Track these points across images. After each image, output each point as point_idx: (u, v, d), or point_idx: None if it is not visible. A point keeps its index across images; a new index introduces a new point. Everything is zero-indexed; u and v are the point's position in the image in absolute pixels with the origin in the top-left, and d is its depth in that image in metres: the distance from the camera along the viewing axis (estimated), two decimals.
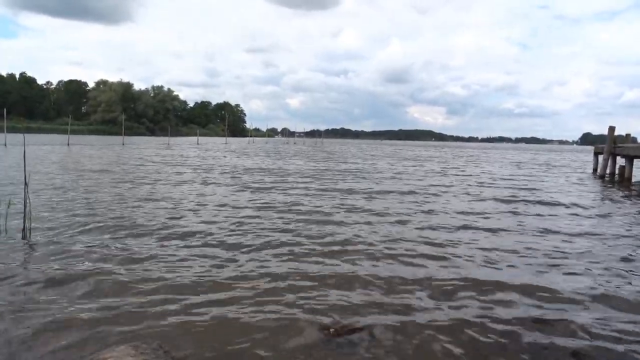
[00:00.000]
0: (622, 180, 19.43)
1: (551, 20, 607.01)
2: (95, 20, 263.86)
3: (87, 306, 4.37)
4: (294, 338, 3.88)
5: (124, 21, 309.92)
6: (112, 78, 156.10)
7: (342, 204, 10.90)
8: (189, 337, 3.85)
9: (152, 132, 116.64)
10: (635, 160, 19.80)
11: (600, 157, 22.82)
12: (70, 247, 6.33)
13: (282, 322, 4.18)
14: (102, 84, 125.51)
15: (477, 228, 8.56)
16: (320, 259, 6.14)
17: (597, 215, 10.57)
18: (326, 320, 4.22)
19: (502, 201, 12.28)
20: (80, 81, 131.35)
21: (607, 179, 20.90)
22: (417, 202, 11.83)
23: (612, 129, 21.11)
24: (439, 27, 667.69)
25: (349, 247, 6.80)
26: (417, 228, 8.42)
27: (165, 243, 6.73)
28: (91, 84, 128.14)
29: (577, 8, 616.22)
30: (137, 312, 4.29)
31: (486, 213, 10.29)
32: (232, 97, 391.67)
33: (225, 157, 32.29)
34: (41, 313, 4.19)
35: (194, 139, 75.28)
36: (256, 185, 14.56)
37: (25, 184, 6.83)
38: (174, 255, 6.14)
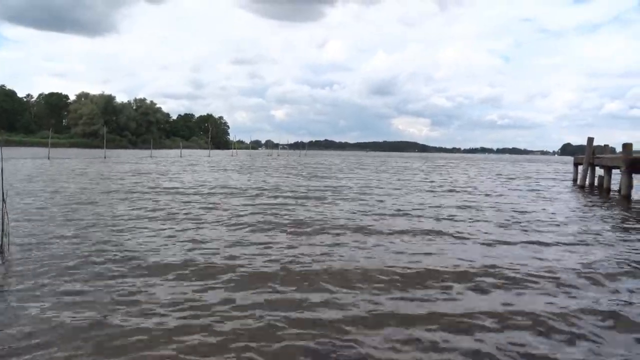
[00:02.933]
0: (601, 192, 19.69)
1: (534, 33, 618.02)
2: (79, 32, 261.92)
3: (66, 323, 4.27)
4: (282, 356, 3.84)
5: (109, 33, 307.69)
6: (96, 90, 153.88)
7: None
8: (175, 357, 3.78)
9: (134, 145, 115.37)
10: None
11: (580, 168, 23.15)
12: (46, 264, 6.19)
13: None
14: (83, 96, 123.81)
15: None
16: None
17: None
18: None
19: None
20: (61, 94, 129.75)
21: (587, 190, 21.16)
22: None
23: (590, 140, 21.48)
24: (425, 40, 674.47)
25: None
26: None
27: (143, 264, 6.64)
28: (73, 97, 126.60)
29: (560, 21, 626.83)
30: (114, 332, 4.19)
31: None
32: (217, 108, 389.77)
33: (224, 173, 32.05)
34: (20, 331, 4.07)
35: (177, 151, 74.72)
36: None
37: (3, 200, 6.66)
38: (151, 274, 6.06)
